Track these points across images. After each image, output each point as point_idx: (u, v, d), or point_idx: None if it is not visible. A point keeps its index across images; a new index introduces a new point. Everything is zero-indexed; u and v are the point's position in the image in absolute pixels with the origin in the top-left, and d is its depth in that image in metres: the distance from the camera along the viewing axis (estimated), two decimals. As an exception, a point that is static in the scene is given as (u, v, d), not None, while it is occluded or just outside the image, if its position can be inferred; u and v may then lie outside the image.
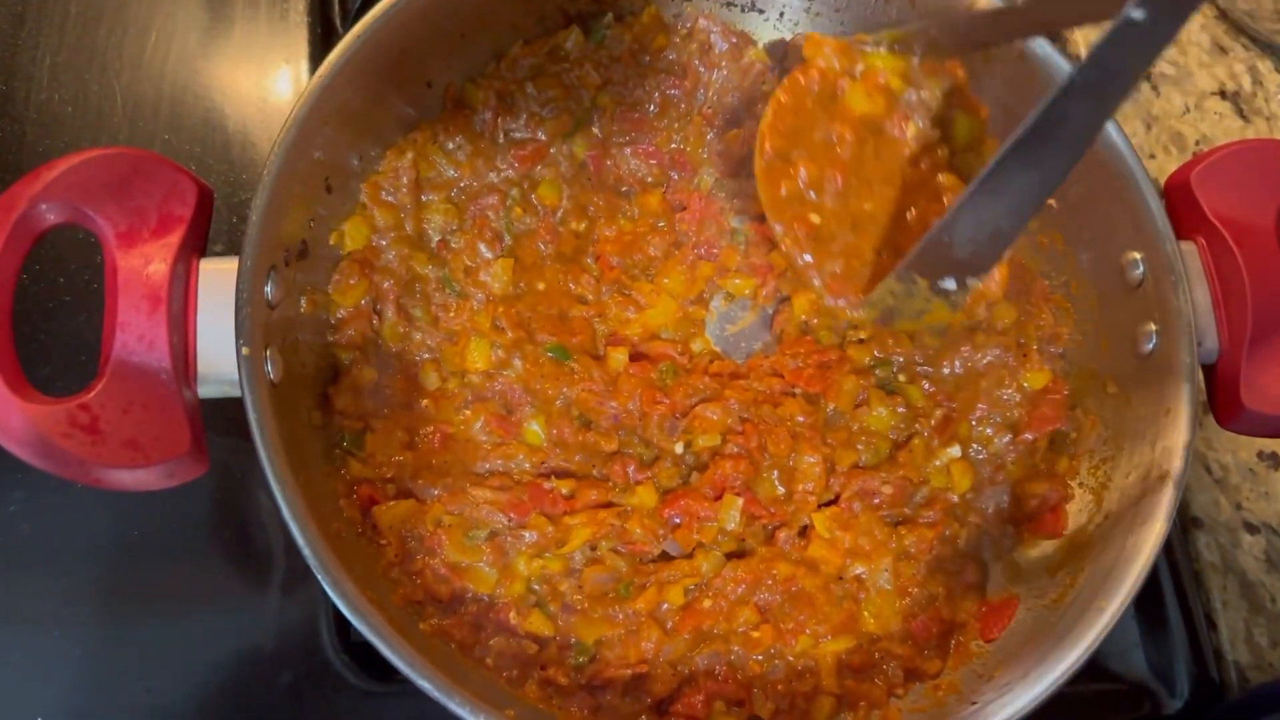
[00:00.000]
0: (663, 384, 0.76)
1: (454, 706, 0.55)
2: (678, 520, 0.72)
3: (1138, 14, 0.49)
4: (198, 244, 0.62)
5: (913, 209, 0.67)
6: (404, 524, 0.69)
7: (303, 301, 0.69)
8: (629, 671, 0.67)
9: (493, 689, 0.65)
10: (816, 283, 0.66)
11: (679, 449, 0.75)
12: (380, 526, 0.68)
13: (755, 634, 0.70)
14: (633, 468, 0.73)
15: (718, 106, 0.81)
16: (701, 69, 0.80)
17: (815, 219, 0.66)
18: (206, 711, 0.75)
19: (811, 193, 0.66)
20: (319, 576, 0.57)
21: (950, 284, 0.60)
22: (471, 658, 0.67)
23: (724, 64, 0.80)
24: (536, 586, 0.70)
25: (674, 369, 0.77)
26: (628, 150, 0.80)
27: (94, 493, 0.72)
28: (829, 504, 0.75)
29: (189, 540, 0.78)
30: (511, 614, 0.68)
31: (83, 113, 0.88)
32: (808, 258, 0.66)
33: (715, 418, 0.75)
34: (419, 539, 0.69)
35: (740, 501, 0.72)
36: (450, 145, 0.76)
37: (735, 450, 0.75)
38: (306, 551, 0.57)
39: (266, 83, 0.91)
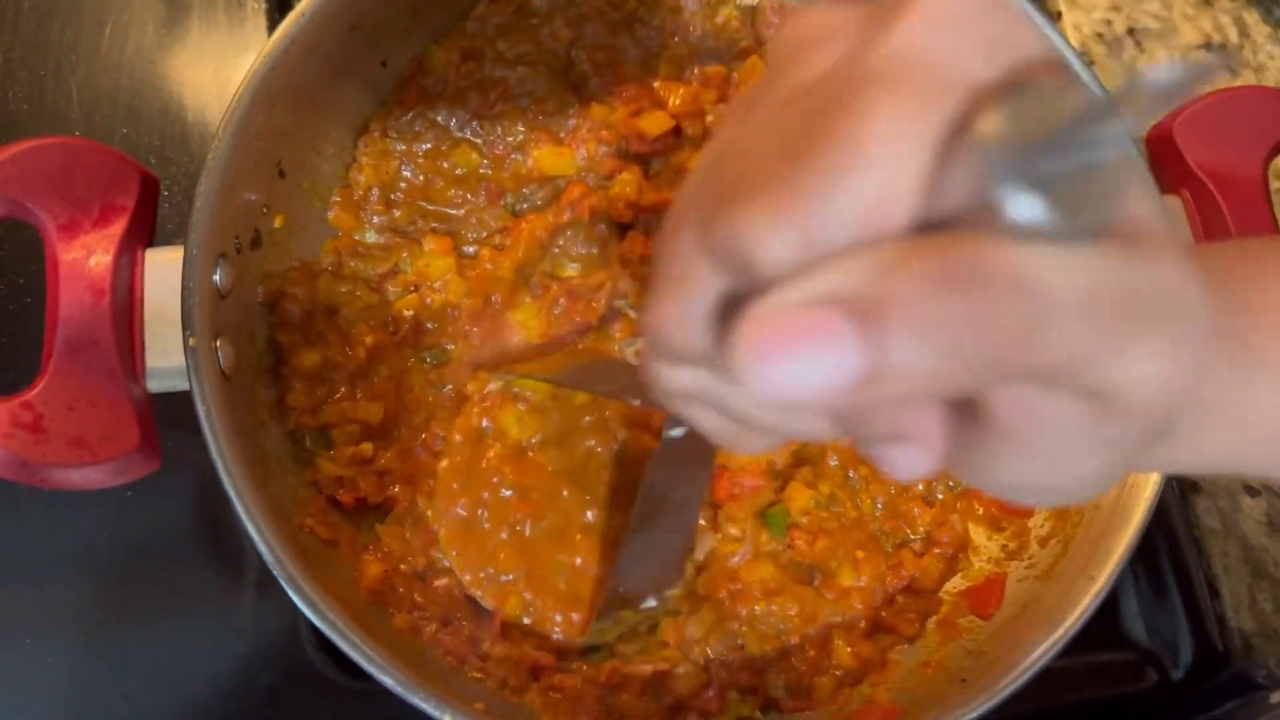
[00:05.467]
0: None
1: (418, 701, 0.53)
2: None
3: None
4: (143, 234, 0.60)
5: None
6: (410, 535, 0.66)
7: (259, 290, 0.67)
8: (650, 669, 0.63)
9: (461, 682, 0.62)
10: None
11: None
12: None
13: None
14: None
15: (697, 49, 0.77)
16: (674, 29, 0.77)
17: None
18: (185, 717, 0.73)
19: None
20: (274, 572, 0.55)
21: (652, 602, 0.61)
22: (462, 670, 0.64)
23: (696, 24, 0.77)
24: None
25: None
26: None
27: (61, 500, 0.70)
28: None
29: (161, 544, 0.76)
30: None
31: (39, 110, 0.86)
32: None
33: None
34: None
35: None
36: (406, 122, 0.72)
37: None
38: (262, 548, 0.55)
39: (225, 73, 0.89)
